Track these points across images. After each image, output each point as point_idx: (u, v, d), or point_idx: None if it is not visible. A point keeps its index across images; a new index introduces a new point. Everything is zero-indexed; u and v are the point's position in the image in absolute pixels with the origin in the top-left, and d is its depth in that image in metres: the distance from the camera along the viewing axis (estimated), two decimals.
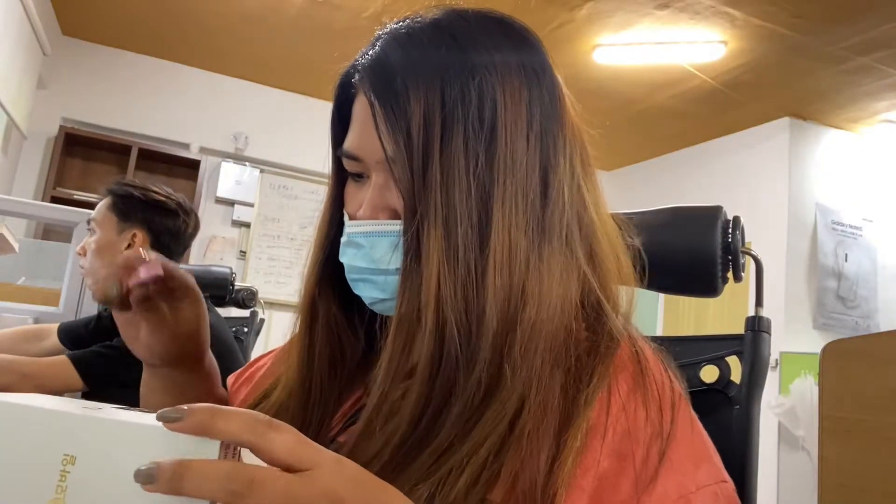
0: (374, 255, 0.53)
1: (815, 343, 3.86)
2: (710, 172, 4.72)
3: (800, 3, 2.97)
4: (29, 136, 3.93)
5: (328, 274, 0.60)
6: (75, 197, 4.00)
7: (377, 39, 0.57)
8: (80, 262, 1.51)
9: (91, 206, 1.62)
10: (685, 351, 0.78)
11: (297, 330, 0.62)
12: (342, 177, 0.59)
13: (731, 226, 0.76)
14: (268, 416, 0.36)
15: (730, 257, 0.76)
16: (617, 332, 0.51)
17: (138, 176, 4.28)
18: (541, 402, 0.47)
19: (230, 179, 4.51)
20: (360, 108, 0.55)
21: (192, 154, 4.44)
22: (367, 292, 0.55)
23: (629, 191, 5.49)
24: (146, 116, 4.36)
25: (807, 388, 3.45)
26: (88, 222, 1.49)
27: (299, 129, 4.47)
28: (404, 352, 0.50)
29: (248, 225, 4.56)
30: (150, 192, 1.52)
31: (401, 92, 0.50)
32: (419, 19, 0.56)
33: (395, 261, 0.52)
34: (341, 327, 0.61)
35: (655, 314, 4.92)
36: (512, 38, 0.55)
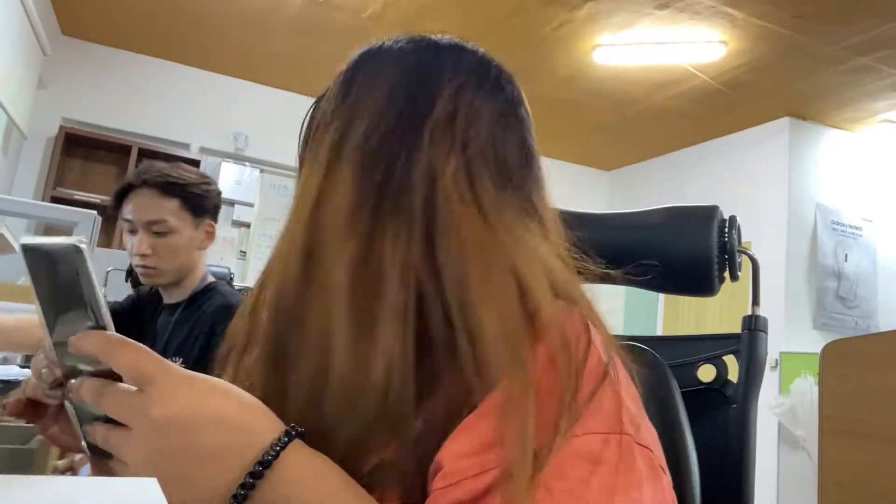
0: None
1: (815, 343, 3.86)
2: (710, 172, 4.72)
3: (800, 3, 2.97)
4: (29, 136, 3.93)
5: None
6: (75, 197, 4.00)
7: None
8: (146, 262, 1.53)
9: (91, 205, 1.64)
10: (683, 350, 0.78)
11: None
12: None
13: (727, 225, 0.76)
14: (120, 337, 0.45)
15: (726, 257, 0.76)
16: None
17: None
18: None
19: (230, 179, 4.51)
20: None
21: (192, 154, 4.44)
22: None
23: (629, 191, 5.49)
24: (146, 116, 4.36)
25: (807, 388, 3.45)
26: (151, 223, 1.52)
27: (299, 130, 4.46)
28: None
29: (248, 225, 4.56)
30: (205, 185, 1.63)
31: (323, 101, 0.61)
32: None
33: None
34: None
35: (655, 314, 4.92)
36: (407, 47, 0.59)
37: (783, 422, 3.55)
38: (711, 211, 0.77)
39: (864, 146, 4.41)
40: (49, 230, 4.00)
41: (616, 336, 0.51)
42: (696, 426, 0.73)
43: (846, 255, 4.22)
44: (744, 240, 0.80)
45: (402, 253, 0.50)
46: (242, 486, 0.41)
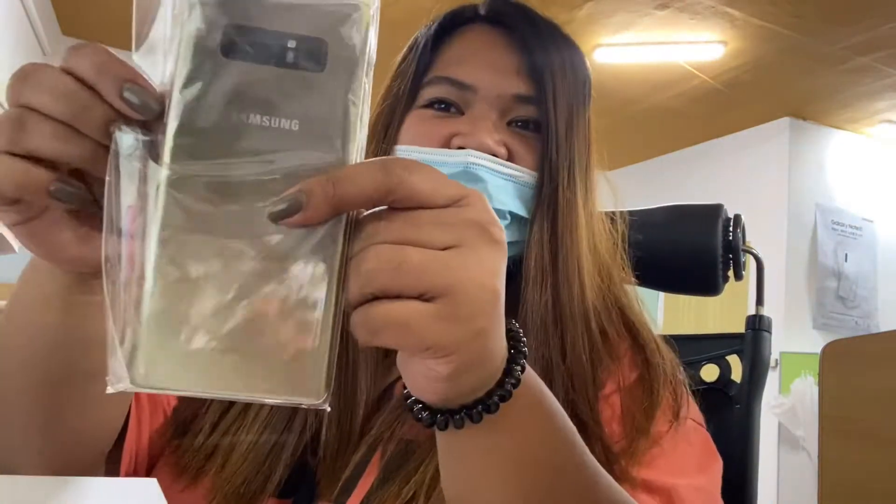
0: (491, 192, 0.52)
1: (815, 343, 3.86)
2: (710, 172, 4.72)
3: (800, 3, 2.97)
4: None
5: None
6: None
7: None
8: None
9: None
10: (685, 350, 0.78)
11: None
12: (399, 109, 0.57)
13: (731, 224, 0.76)
14: (395, 157, 0.35)
15: (730, 256, 0.76)
16: None
17: None
18: None
19: None
20: (485, 40, 0.56)
21: None
22: None
23: (629, 191, 5.48)
24: None
25: (807, 388, 3.45)
26: None
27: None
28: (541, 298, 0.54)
29: None
30: None
31: (546, 47, 0.56)
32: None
33: (513, 206, 0.53)
34: None
35: (655, 313, 4.92)
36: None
37: (783, 422, 3.54)
38: (716, 209, 0.77)
39: (864, 146, 4.40)
40: None
41: None
42: None
43: (846, 255, 4.22)
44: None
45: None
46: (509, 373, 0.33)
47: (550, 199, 0.54)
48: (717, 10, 3.11)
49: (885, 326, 4.14)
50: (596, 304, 0.56)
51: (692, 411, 0.56)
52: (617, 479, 0.43)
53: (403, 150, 0.54)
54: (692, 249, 0.76)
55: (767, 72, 3.65)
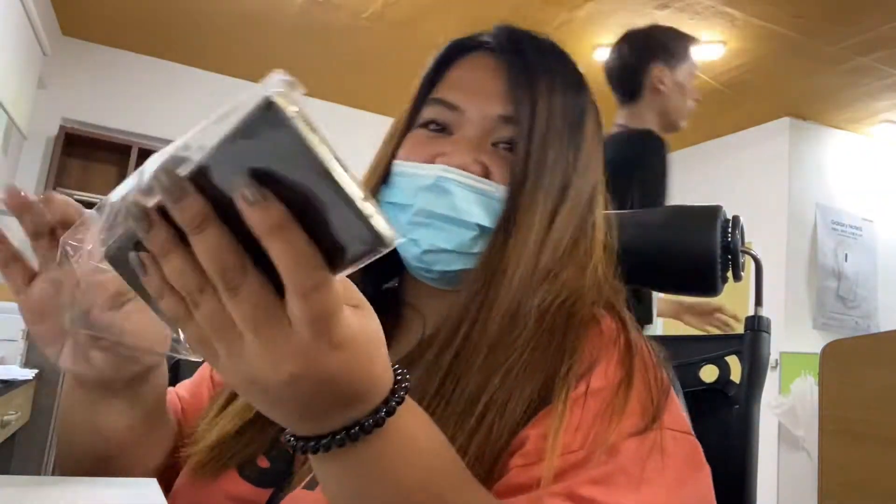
0: (459, 204, 0.56)
1: (815, 343, 3.86)
2: (710, 172, 4.72)
3: (800, 3, 2.97)
4: (29, 136, 3.93)
5: None
6: (75, 197, 3.96)
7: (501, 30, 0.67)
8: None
9: (91, 205, 1.64)
10: (685, 350, 0.78)
11: None
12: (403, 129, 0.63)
13: (730, 225, 0.76)
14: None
15: (729, 257, 0.76)
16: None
17: None
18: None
19: None
20: (479, 67, 0.62)
21: None
22: (430, 238, 0.57)
23: None
24: (146, 116, 4.36)
25: (807, 388, 3.45)
26: None
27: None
28: (477, 297, 0.55)
29: None
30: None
31: (533, 71, 0.60)
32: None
33: (480, 217, 0.57)
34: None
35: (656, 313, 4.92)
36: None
37: (783, 422, 3.55)
38: (715, 211, 0.77)
39: (864, 146, 4.40)
40: None
41: None
42: (698, 427, 0.73)
43: (846, 255, 4.22)
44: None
45: None
46: (349, 436, 0.37)
47: (510, 211, 0.57)
48: (717, 10, 3.11)
49: (885, 326, 4.14)
50: (551, 307, 0.55)
51: (673, 419, 0.50)
52: (561, 496, 0.43)
53: (395, 164, 0.60)
54: (691, 251, 0.76)
55: (767, 72, 3.65)
